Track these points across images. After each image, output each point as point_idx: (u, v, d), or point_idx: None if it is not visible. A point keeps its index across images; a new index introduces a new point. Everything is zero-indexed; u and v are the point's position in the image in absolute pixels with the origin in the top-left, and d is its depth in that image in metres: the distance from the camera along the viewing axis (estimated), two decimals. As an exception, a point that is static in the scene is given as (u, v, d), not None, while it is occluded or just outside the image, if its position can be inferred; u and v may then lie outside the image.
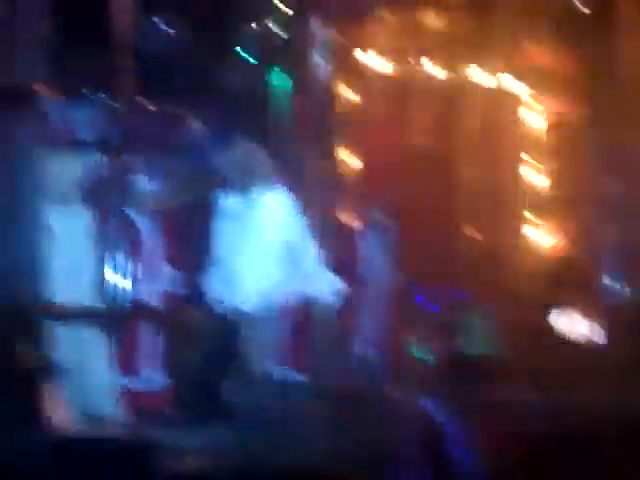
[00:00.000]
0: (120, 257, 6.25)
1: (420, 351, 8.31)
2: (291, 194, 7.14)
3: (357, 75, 9.19)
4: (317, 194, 8.43)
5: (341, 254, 7.97)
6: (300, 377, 7.61)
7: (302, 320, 7.64)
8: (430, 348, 8.48)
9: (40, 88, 5.65)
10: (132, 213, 6.85)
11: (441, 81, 9.62)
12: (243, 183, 6.93)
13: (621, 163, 9.50)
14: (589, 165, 9.74)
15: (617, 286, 9.32)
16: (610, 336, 8.99)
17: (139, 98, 6.94)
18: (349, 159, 9.13)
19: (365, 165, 9.16)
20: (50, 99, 6.11)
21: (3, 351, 4.82)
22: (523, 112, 10.17)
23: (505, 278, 9.58)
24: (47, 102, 5.99)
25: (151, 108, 7.24)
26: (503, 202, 9.90)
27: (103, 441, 5.71)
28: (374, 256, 8.24)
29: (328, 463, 5.74)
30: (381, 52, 9.33)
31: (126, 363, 6.50)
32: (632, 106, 9.39)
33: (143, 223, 6.99)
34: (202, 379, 6.84)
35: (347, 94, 9.12)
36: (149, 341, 6.68)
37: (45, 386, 5.02)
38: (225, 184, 6.94)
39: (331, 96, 8.71)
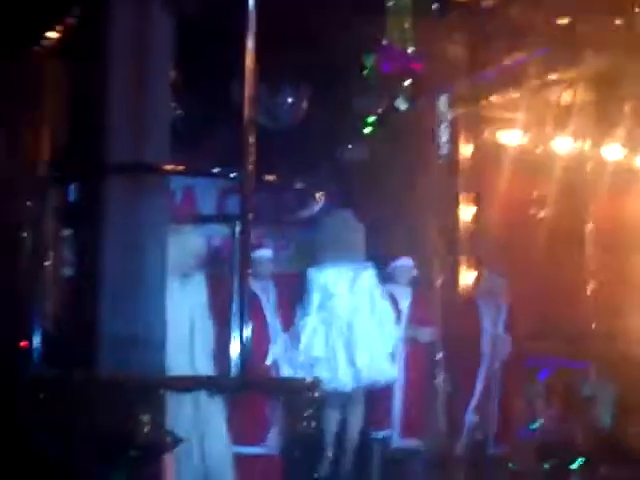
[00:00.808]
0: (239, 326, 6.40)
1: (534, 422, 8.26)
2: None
3: (486, 150, 9.27)
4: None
5: (459, 324, 8.01)
6: (415, 444, 7.63)
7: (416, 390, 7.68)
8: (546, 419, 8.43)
9: (167, 166, 5.87)
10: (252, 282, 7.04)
11: (572, 156, 9.63)
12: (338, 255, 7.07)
13: None
14: None
15: None
16: None
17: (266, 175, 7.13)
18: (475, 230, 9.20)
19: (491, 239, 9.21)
20: (176, 177, 6.37)
21: (125, 422, 4.98)
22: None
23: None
24: (174, 180, 6.25)
25: (277, 183, 7.41)
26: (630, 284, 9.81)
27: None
28: (493, 327, 8.23)
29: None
30: (511, 126, 9.41)
31: (243, 431, 6.64)
32: None
33: (262, 292, 7.19)
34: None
35: (474, 168, 9.22)
36: (265, 410, 6.83)
37: (164, 458, 5.17)
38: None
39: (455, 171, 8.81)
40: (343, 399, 7.21)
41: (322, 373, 7.03)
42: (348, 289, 7.21)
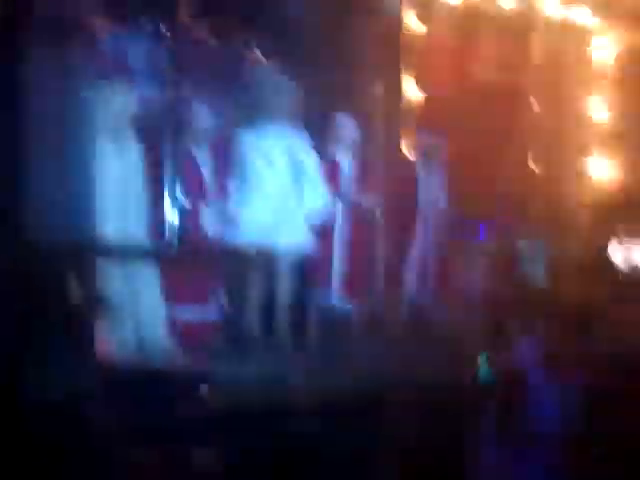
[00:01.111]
0: (174, 192, 6.26)
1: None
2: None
3: (425, 5, 9.03)
4: (380, 125, 8.40)
5: (400, 187, 7.93)
6: (356, 308, 7.63)
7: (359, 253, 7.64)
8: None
9: (93, 20, 5.63)
10: (187, 147, 6.87)
11: (509, 12, 9.44)
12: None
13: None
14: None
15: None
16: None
17: (198, 31, 6.88)
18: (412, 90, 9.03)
19: (428, 97, 9.05)
20: (104, 31, 6.09)
21: (55, 287, 4.87)
22: (591, 44, 9.97)
23: (565, 211, 9.54)
24: (101, 34, 5.98)
25: (212, 41, 7.17)
26: (566, 136, 9.77)
27: (154, 373, 5.84)
28: (431, 189, 8.15)
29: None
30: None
31: (177, 296, 6.56)
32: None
33: (198, 157, 7.00)
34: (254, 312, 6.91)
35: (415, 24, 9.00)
36: (201, 275, 6.74)
37: (96, 321, 5.08)
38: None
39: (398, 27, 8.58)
40: (272, 263, 7.10)
41: (252, 236, 6.90)
42: (280, 153, 7.04)
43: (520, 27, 9.42)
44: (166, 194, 5.80)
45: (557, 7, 9.67)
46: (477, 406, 5.64)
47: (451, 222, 8.19)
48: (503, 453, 4.89)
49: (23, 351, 4.85)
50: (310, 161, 7.03)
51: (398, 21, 8.74)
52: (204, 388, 5.41)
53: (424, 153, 8.17)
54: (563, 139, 9.78)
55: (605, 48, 10.05)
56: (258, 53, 7.61)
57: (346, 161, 7.63)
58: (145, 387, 5.54)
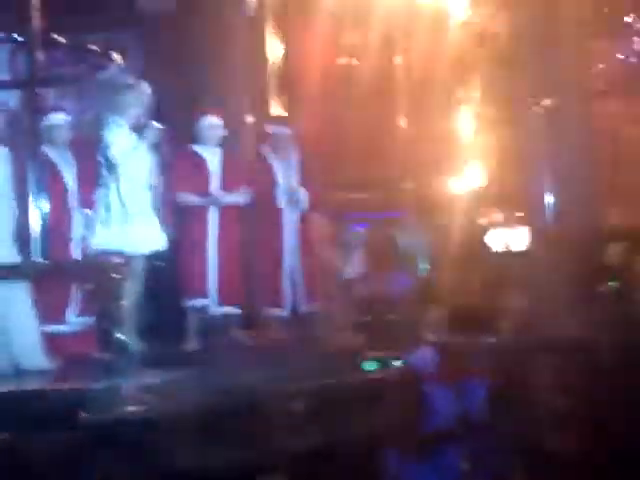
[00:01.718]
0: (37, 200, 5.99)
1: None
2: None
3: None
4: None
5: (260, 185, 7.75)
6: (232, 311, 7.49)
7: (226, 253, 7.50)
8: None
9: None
10: (48, 150, 6.63)
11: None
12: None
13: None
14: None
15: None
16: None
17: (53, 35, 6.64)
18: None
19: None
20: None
21: None
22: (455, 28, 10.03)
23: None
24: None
25: (65, 44, 6.92)
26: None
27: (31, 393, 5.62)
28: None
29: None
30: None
31: (48, 311, 6.34)
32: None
33: (60, 161, 6.77)
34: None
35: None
36: (70, 289, 6.53)
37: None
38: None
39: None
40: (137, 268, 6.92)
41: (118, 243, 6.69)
42: (131, 153, 6.87)
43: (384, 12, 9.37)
44: (30, 206, 5.52)
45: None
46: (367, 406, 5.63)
47: (317, 214, 8.03)
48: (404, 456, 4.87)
49: None
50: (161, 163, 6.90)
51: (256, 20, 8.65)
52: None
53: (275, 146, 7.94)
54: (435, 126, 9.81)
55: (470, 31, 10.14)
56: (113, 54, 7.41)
57: (213, 160, 7.48)
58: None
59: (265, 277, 7.68)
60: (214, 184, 7.43)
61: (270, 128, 7.87)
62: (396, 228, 8.85)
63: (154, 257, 7.01)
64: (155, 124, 6.97)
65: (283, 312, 7.61)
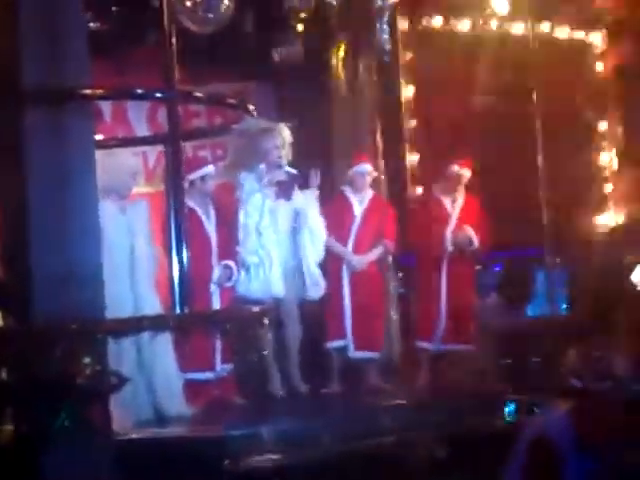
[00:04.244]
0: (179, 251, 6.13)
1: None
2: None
3: (419, 38, 8.95)
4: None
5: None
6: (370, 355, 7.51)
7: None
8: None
9: (88, 90, 5.52)
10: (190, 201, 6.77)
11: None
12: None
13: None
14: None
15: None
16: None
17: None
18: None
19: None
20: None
21: (67, 367, 4.76)
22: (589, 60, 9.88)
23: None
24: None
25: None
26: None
27: (172, 442, 5.73)
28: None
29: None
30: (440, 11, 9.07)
31: (189, 358, 6.47)
32: None
33: (201, 207, 6.94)
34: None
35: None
36: (213, 338, 6.65)
37: (107, 396, 4.95)
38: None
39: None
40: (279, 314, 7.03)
41: (258, 286, 6.89)
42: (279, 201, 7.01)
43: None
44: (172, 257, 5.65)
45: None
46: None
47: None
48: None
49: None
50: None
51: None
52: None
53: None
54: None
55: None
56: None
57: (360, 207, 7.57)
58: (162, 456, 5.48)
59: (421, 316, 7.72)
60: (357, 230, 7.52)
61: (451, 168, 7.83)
62: (535, 266, 8.72)
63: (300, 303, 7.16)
64: (292, 170, 7.11)
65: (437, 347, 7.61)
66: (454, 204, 7.70)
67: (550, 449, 4.05)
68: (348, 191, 7.53)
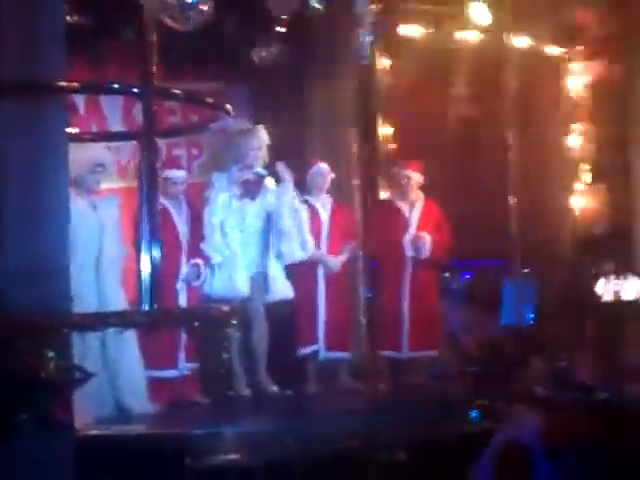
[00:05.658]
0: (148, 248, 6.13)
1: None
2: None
3: (397, 45, 8.98)
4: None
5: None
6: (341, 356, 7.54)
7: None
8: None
9: (62, 83, 5.50)
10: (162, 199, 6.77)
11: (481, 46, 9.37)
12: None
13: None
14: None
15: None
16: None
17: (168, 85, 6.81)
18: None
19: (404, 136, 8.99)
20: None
21: (25, 357, 4.74)
22: (564, 75, 9.94)
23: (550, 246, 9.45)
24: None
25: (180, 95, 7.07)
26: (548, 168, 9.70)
27: (134, 439, 5.73)
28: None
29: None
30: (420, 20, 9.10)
31: (156, 356, 6.47)
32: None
33: (173, 206, 6.94)
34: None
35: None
36: (178, 336, 6.66)
37: (70, 391, 4.94)
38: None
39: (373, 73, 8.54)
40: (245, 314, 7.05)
41: (222, 286, 6.92)
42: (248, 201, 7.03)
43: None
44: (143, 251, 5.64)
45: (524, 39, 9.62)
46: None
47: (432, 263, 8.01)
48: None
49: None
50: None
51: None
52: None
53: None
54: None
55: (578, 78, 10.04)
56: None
57: (326, 211, 7.59)
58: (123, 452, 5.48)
59: (385, 321, 7.72)
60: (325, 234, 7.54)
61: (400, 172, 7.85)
62: (502, 276, 8.77)
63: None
64: (260, 170, 7.13)
65: (401, 354, 7.62)
66: (412, 210, 7.73)
67: (521, 455, 4.15)
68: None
